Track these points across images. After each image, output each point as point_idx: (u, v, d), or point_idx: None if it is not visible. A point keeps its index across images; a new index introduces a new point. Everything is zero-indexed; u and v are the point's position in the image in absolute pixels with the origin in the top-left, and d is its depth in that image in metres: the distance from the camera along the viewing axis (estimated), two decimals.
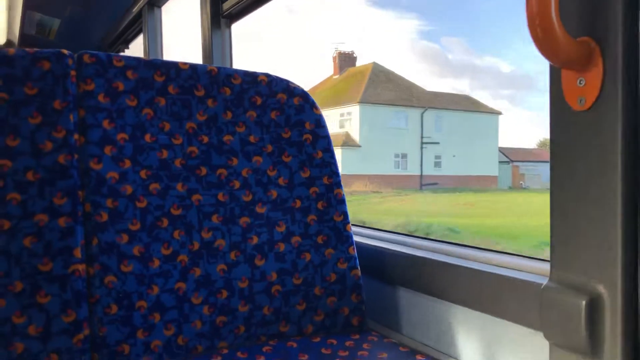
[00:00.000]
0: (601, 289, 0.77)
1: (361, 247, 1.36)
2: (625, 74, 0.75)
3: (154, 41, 3.04)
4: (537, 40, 0.75)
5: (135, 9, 3.12)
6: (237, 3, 2.09)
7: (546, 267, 0.91)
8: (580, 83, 0.80)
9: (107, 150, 1.11)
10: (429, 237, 1.38)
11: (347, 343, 1.19)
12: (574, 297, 0.80)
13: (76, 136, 1.09)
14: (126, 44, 3.80)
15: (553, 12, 0.73)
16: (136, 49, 3.71)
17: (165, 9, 3.04)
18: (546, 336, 0.85)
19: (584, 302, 0.78)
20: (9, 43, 4.45)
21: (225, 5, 2.16)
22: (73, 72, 1.10)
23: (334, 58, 26.06)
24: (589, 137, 0.79)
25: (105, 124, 1.11)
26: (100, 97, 1.11)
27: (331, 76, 25.93)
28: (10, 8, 3.84)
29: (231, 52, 2.24)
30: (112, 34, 3.75)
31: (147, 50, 3.03)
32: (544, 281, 0.86)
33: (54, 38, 4.07)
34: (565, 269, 0.83)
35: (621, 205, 0.75)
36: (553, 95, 0.84)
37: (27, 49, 1.09)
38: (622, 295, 0.76)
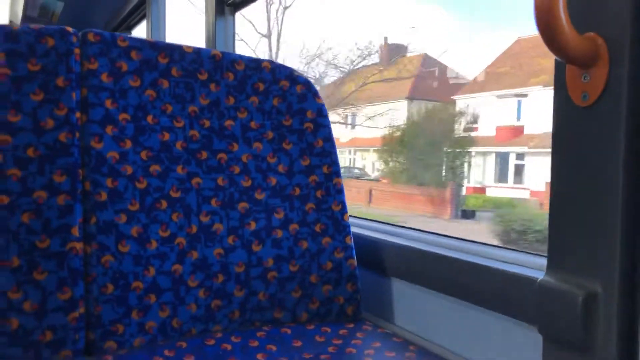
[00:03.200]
0: (598, 286, 0.78)
1: (358, 238, 1.36)
2: (630, 72, 0.75)
3: (157, 28, 3.03)
4: (544, 35, 0.75)
5: None
6: None
7: (543, 262, 0.91)
8: (584, 79, 0.80)
9: (109, 129, 1.10)
10: (426, 230, 1.38)
11: (341, 332, 1.19)
12: (569, 292, 0.80)
13: (78, 114, 1.09)
14: (129, 29, 3.79)
15: (561, 7, 0.73)
16: (139, 35, 3.71)
17: None
18: (540, 331, 0.85)
19: (579, 298, 0.78)
20: (10, 24, 4.43)
21: None
22: (77, 50, 1.10)
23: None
24: (591, 133, 0.79)
25: (108, 103, 1.11)
26: (104, 77, 1.11)
27: None
28: None
29: (234, 40, 2.24)
30: (116, 19, 3.74)
31: (149, 36, 3.02)
32: (540, 276, 0.87)
33: (56, 21, 4.05)
34: (562, 264, 0.83)
35: (621, 203, 0.75)
36: (557, 90, 0.85)
37: (31, 25, 1.08)
38: (619, 293, 0.76)
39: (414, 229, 1.39)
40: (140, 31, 3.66)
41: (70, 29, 1.10)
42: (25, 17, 4.09)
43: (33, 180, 1.04)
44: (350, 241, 1.28)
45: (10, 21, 4.39)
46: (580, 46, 0.78)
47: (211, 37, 2.24)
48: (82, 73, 1.10)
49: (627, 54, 0.75)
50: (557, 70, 0.85)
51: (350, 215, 1.33)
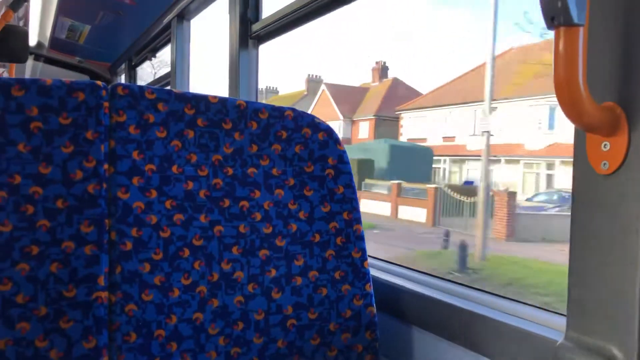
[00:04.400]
0: (617, 352, 0.78)
1: (378, 282, 1.37)
2: None
3: (181, 53, 3.08)
4: (563, 105, 0.76)
5: (165, 21, 3.17)
6: (267, 26, 2.12)
7: (563, 321, 0.91)
8: (604, 147, 0.81)
9: (135, 180, 1.13)
10: (448, 278, 1.39)
11: None
12: (589, 356, 0.80)
13: (106, 166, 1.12)
14: (153, 52, 3.86)
15: (580, 77, 0.74)
16: (163, 57, 3.77)
17: (194, 22, 3.09)
18: None
19: None
20: (39, 45, 4.53)
21: (255, 27, 2.19)
22: (106, 104, 1.13)
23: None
24: (611, 201, 0.80)
25: (135, 154, 1.14)
26: (131, 129, 1.14)
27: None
28: (43, 13, 3.92)
29: (257, 72, 2.27)
30: (140, 42, 3.81)
31: (174, 62, 3.08)
32: (560, 336, 0.87)
33: (83, 42, 4.14)
34: (581, 329, 0.84)
35: None
36: (576, 158, 0.85)
37: (63, 79, 1.12)
38: (638, 358, 0.76)
39: (435, 276, 1.39)
40: (165, 53, 3.73)
41: (100, 84, 1.13)
42: (53, 38, 4.19)
43: (61, 230, 1.07)
44: (370, 288, 1.29)
45: (39, 42, 4.49)
46: (600, 115, 0.79)
47: (235, 69, 2.28)
48: (111, 125, 1.13)
49: None
50: (576, 138, 0.85)
51: (370, 256, 1.34)
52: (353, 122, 32.02)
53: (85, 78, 4.57)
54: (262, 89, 36.70)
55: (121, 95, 1.15)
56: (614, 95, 0.80)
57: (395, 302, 1.35)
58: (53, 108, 1.09)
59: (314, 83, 36.79)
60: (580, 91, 0.75)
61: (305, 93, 36.44)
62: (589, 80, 0.77)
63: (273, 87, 40.56)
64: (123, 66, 4.50)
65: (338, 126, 30.42)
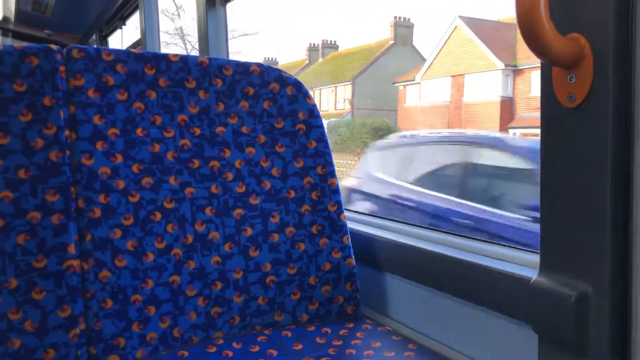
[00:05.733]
0: (589, 286, 0.78)
1: (355, 234, 1.37)
2: (615, 71, 0.74)
3: (150, 18, 3.00)
4: (526, 38, 0.74)
5: None
6: None
7: (537, 259, 0.91)
8: (570, 80, 0.79)
9: (99, 145, 1.10)
10: (423, 225, 1.38)
11: (341, 332, 1.20)
12: (562, 292, 0.80)
13: (67, 132, 1.09)
14: (123, 20, 3.76)
15: (542, 9, 0.72)
16: (134, 24, 3.68)
17: None
18: (535, 329, 0.86)
19: (572, 298, 0.79)
20: (4, 19, 4.40)
21: None
22: (62, 68, 1.09)
23: None
24: (579, 134, 0.79)
25: (96, 119, 1.11)
26: (90, 92, 1.11)
27: None
28: None
29: (226, 31, 2.22)
30: (109, 11, 3.70)
31: (143, 28, 3.00)
32: (534, 274, 0.87)
33: (50, 14, 4.03)
34: (554, 265, 0.84)
35: (610, 204, 0.75)
36: (544, 92, 0.84)
37: (14, 45, 1.08)
38: (610, 292, 0.76)
39: (411, 224, 1.39)
40: (135, 21, 3.63)
41: (54, 47, 1.09)
42: (19, 12, 4.07)
43: (26, 201, 1.04)
44: (347, 241, 1.28)
45: (4, 16, 4.37)
46: (564, 47, 0.77)
47: (203, 30, 2.22)
48: (69, 90, 1.10)
49: (611, 54, 0.74)
50: (543, 72, 0.84)
51: (346, 209, 1.33)
52: (517, 72, 17.45)
53: None
54: (315, 44, 31.12)
55: (77, 58, 1.11)
56: (578, 26, 0.78)
57: (373, 252, 1.35)
58: (6, 75, 1.05)
59: (402, 28, 26.91)
60: (543, 23, 0.73)
61: (392, 41, 26.87)
62: (551, 11, 0.74)
63: (331, 41, 31.75)
64: (94, 37, 4.40)
65: (499, 81, 17.43)
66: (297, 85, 1.28)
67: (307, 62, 31.13)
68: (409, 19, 27.23)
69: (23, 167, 1.05)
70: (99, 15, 3.90)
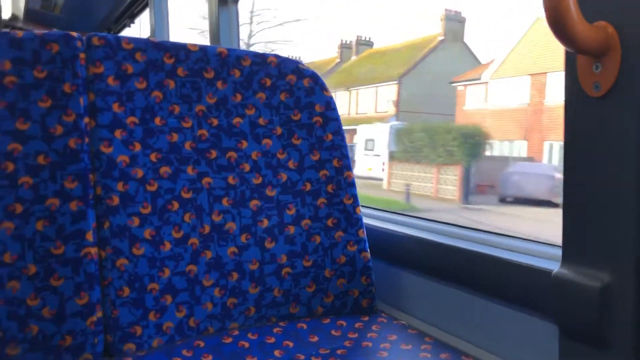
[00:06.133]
0: (612, 278, 0.77)
1: (371, 229, 1.36)
2: None
3: (160, 15, 3.00)
4: (553, 26, 0.74)
5: None
6: None
7: (557, 252, 0.90)
8: (596, 69, 0.79)
9: (117, 133, 1.10)
10: (439, 220, 1.38)
11: (357, 325, 1.20)
12: (585, 285, 0.80)
13: (86, 120, 1.09)
14: (132, 18, 3.77)
15: None
16: (142, 24, 3.68)
17: None
18: (556, 322, 0.85)
19: (595, 291, 0.78)
20: (14, 17, 4.42)
21: None
22: (82, 55, 1.09)
23: None
24: (604, 124, 0.78)
25: (115, 107, 1.11)
26: (110, 80, 1.11)
27: None
28: None
29: (238, 28, 2.22)
30: (118, 9, 3.71)
31: (153, 26, 3.00)
32: (555, 267, 0.87)
33: (59, 12, 4.04)
34: (577, 256, 0.83)
35: (636, 194, 0.75)
36: (568, 81, 0.83)
37: (35, 32, 1.08)
38: (634, 284, 0.75)
39: (426, 219, 1.39)
40: (144, 18, 3.63)
41: (74, 34, 1.09)
42: (28, 10, 4.08)
43: (45, 187, 1.04)
44: (363, 234, 1.28)
45: (13, 14, 4.38)
46: (591, 36, 0.76)
47: (215, 27, 2.22)
48: (89, 77, 1.10)
49: (639, 42, 0.74)
50: (567, 60, 0.83)
51: (362, 205, 1.33)
52: None
53: None
54: (348, 41, 27.39)
55: (97, 45, 1.11)
56: (606, 14, 0.77)
57: (388, 246, 1.35)
58: (26, 61, 1.05)
59: (453, 23, 23.50)
60: (571, 11, 0.72)
61: (442, 37, 23.37)
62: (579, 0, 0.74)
63: (366, 38, 28.07)
64: None
65: None
66: (314, 78, 1.28)
67: (339, 60, 27.56)
68: (460, 12, 23.67)
69: (42, 153, 1.05)
70: (108, 13, 3.90)
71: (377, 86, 23.23)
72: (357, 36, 28.19)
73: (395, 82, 22.28)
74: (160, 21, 2.98)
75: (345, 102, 23.87)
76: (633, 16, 0.74)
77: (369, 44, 27.84)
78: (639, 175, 0.74)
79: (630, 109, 0.75)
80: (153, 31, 3.04)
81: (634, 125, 0.74)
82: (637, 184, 0.75)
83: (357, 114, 23.10)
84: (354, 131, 17.90)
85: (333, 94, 1.30)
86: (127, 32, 4.04)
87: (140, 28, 3.77)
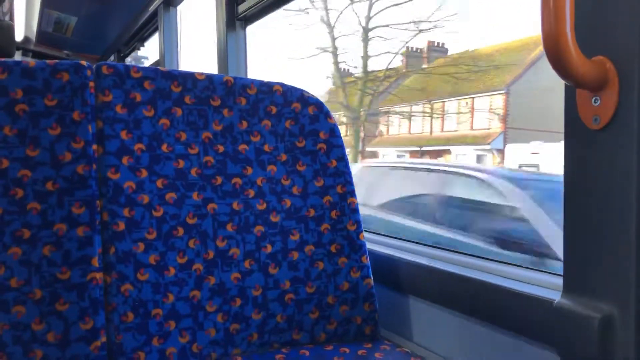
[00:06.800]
0: (613, 309, 0.77)
1: (374, 255, 1.37)
2: None
3: (170, 40, 3.05)
4: (552, 60, 0.75)
5: (152, 8, 3.14)
6: (253, 6, 2.10)
7: (559, 281, 0.91)
8: (595, 102, 0.80)
9: (125, 160, 1.12)
10: (442, 246, 1.38)
11: (360, 352, 1.20)
12: (586, 315, 0.80)
13: (95, 147, 1.11)
14: (142, 42, 3.83)
15: (568, 31, 0.73)
16: (152, 47, 3.74)
17: (181, 8, 3.06)
18: (558, 353, 0.86)
19: (596, 321, 0.78)
20: (26, 40, 4.49)
21: (241, 8, 2.17)
22: (91, 84, 1.12)
23: None
24: (604, 156, 0.79)
25: (123, 134, 1.13)
26: (118, 108, 1.13)
27: None
28: (28, 6, 3.88)
29: (246, 54, 2.25)
30: (128, 32, 3.77)
31: (162, 49, 3.05)
32: (557, 296, 0.87)
33: (70, 35, 4.11)
34: (578, 286, 0.83)
35: (635, 227, 0.75)
36: (567, 113, 0.84)
37: (47, 61, 1.10)
38: (636, 315, 0.76)
39: (430, 245, 1.39)
40: (154, 42, 3.69)
41: (84, 63, 1.12)
42: (40, 32, 4.15)
43: (53, 213, 1.06)
44: (366, 260, 1.29)
45: (26, 37, 4.46)
46: (589, 70, 0.78)
47: (223, 52, 2.26)
48: (97, 105, 1.12)
49: (637, 76, 0.75)
50: (566, 93, 0.85)
51: (365, 230, 1.34)
52: None
53: None
54: (420, 48, 21.67)
55: (106, 74, 1.13)
56: (604, 49, 0.79)
57: (392, 273, 1.35)
58: (38, 90, 1.07)
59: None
60: (569, 45, 0.74)
61: None
62: (577, 34, 0.76)
63: (439, 44, 23.22)
64: (112, 58, 4.47)
65: None
66: (319, 105, 1.30)
67: (405, 70, 22.12)
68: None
69: (51, 180, 1.07)
70: (119, 36, 3.97)
71: (472, 97, 18.48)
72: (429, 41, 23.09)
73: (503, 91, 17.57)
74: (169, 45, 3.03)
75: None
76: (630, 51, 0.75)
77: (442, 50, 23.34)
78: (638, 206, 0.75)
79: (629, 142, 0.76)
80: (162, 53, 3.09)
81: (633, 157, 0.75)
82: (636, 215, 0.75)
83: (442, 131, 18.71)
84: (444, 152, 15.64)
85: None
86: (138, 53, 4.11)
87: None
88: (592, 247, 0.81)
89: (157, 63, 3.28)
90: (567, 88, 0.84)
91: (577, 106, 0.82)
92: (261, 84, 1.26)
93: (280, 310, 1.22)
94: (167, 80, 1.17)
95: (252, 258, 1.20)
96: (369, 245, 1.35)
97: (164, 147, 1.16)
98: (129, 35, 3.82)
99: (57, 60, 1.12)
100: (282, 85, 1.28)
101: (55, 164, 1.07)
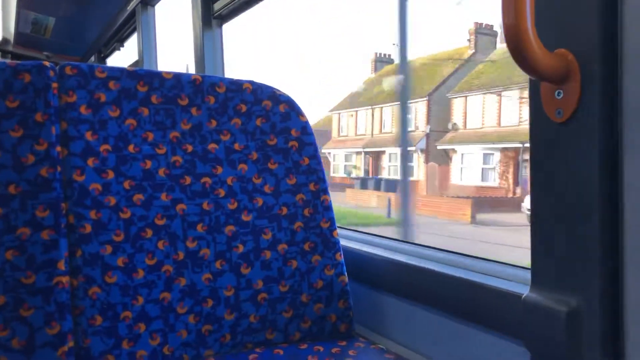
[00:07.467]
0: (580, 302, 0.77)
1: (349, 252, 1.36)
2: (602, 86, 0.75)
3: (148, 39, 3.03)
4: (514, 54, 0.75)
5: (129, 7, 3.11)
6: (228, 4, 2.09)
7: (528, 275, 0.91)
8: (558, 95, 0.80)
9: (90, 161, 1.10)
10: (414, 242, 1.38)
11: (334, 350, 1.19)
12: (553, 309, 0.80)
13: (58, 148, 1.09)
14: (121, 42, 3.79)
15: (529, 24, 0.73)
16: (132, 47, 3.71)
17: (159, 7, 3.03)
18: (526, 346, 0.85)
19: (563, 315, 0.78)
20: (4, 41, 4.44)
21: (217, 6, 2.15)
22: (55, 84, 1.10)
23: None
24: (567, 149, 0.79)
25: (88, 135, 1.11)
26: (82, 109, 1.11)
27: None
28: (4, 7, 3.83)
29: (222, 52, 2.24)
30: (107, 33, 3.74)
31: (141, 49, 3.03)
32: (525, 290, 0.87)
33: (49, 37, 4.06)
34: (545, 280, 0.83)
35: (599, 219, 0.75)
36: (532, 107, 0.84)
37: (7, 61, 1.08)
38: (601, 308, 0.76)
39: (403, 241, 1.38)
40: (133, 42, 3.66)
41: (47, 64, 1.09)
42: (18, 34, 4.10)
43: (15, 217, 1.04)
44: (340, 257, 1.28)
45: (4, 38, 4.40)
46: (551, 63, 0.77)
47: (199, 50, 2.24)
48: (61, 106, 1.10)
49: (598, 69, 0.75)
50: (531, 87, 0.84)
51: (338, 226, 1.33)
52: None
53: None
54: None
55: (70, 75, 1.11)
56: (565, 42, 0.79)
57: (366, 269, 1.34)
58: None
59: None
60: (530, 39, 0.74)
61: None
62: (538, 27, 0.75)
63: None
64: (93, 59, 4.43)
65: None
66: (290, 103, 1.29)
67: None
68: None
69: (13, 183, 1.05)
70: (98, 37, 3.93)
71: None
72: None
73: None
74: (148, 44, 3.01)
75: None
76: (591, 44, 0.75)
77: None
78: (601, 199, 0.75)
79: (592, 134, 0.76)
80: (141, 54, 3.07)
81: (596, 149, 0.75)
82: (600, 208, 0.75)
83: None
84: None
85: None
86: (117, 55, 4.07)
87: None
88: (557, 240, 0.81)
89: (136, 63, 3.26)
90: (531, 82, 0.84)
91: (541, 99, 0.82)
92: (230, 82, 1.24)
93: (253, 310, 1.20)
94: (133, 79, 1.16)
95: (223, 258, 1.19)
96: (343, 242, 1.34)
97: (131, 148, 1.14)
98: (108, 36, 3.79)
99: (19, 62, 1.09)
100: (252, 83, 1.27)
101: (18, 167, 1.05)
